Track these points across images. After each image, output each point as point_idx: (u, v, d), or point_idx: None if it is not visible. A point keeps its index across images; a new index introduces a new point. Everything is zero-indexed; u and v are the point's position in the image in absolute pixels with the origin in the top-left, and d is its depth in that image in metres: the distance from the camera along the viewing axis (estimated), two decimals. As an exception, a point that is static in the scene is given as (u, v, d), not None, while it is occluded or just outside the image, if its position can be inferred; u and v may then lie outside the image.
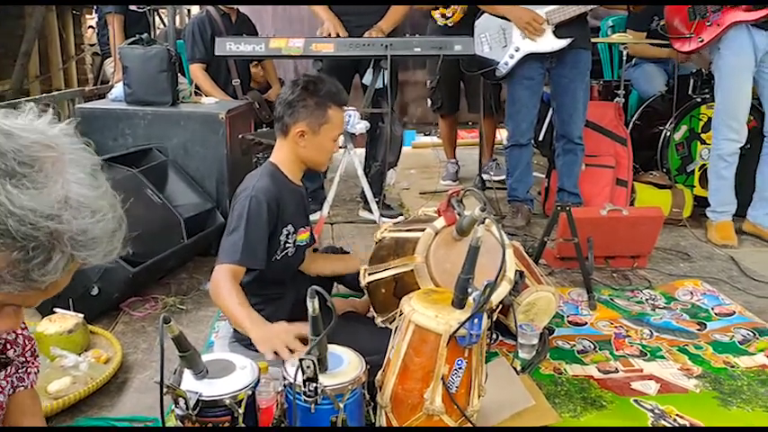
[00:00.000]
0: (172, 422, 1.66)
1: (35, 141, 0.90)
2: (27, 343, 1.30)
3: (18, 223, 0.86)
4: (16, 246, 0.87)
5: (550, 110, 4.21)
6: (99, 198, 0.93)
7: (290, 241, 2.22)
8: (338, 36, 3.60)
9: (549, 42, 3.61)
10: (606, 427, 1.90)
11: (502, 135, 5.04)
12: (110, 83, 4.91)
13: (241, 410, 1.59)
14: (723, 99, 3.62)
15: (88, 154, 0.96)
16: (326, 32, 3.63)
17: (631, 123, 4.47)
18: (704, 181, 4.00)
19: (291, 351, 1.74)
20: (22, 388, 1.29)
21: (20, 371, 1.30)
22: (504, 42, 3.69)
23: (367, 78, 3.68)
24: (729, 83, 3.56)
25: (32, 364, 1.32)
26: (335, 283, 2.68)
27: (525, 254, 2.70)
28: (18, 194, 0.85)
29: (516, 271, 2.11)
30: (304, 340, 1.70)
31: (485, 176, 4.64)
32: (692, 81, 4.26)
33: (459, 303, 1.69)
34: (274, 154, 2.27)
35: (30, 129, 0.92)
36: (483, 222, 1.72)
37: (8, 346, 1.25)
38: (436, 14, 4.37)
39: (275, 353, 1.75)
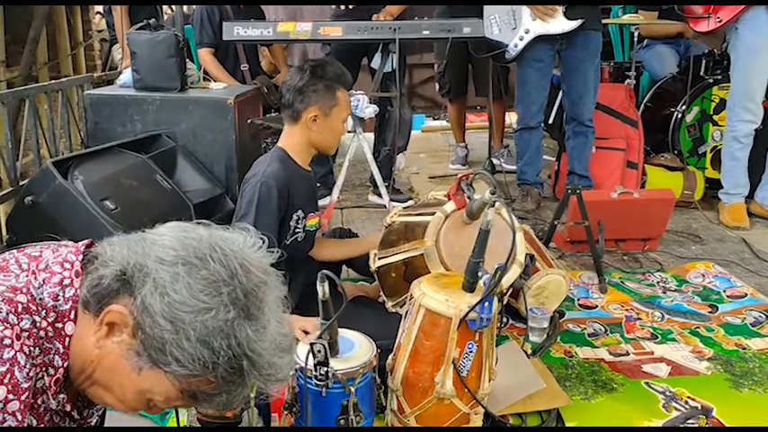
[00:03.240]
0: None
1: (261, 281, 0.97)
2: None
3: (250, 365, 0.94)
4: (238, 382, 0.95)
5: (560, 92, 4.17)
6: (288, 335, 1.00)
7: (299, 226, 2.22)
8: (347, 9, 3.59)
9: (560, 24, 3.57)
10: (615, 427, 1.89)
11: (511, 118, 5.02)
12: (118, 69, 4.90)
13: (253, 394, 1.60)
14: (740, 80, 3.57)
15: (282, 285, 1.03)
16: None
17: (643, 105, 4.43)
18: (716, 163, 3.97)
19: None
20: None
21: None
22: (514, 24, 3.65)
23: (375, 62, 3.66)
24: (747, 63, 3.51)
25: None
26: (345, 267, 2.69)
27: (535, 237, 2.69)
28: (254, 339, 0.94)
29: (526, 254, 2.11)
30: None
31: (495, 162, 4.62)
32: (703, 62, 4.21)
33: (470, 287, 1.69)
34: (283, 139, 2.27)
35: (256, 262, 0.99)
36: (493, 206, 1.71)
37: None
38: None
39: None
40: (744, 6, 3.40)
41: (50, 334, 0.96)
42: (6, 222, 2.68)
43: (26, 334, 0.93)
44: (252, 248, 1.01)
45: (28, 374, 0.92)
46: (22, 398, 0.91)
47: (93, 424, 1.15)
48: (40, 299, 0.96)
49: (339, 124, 2.25)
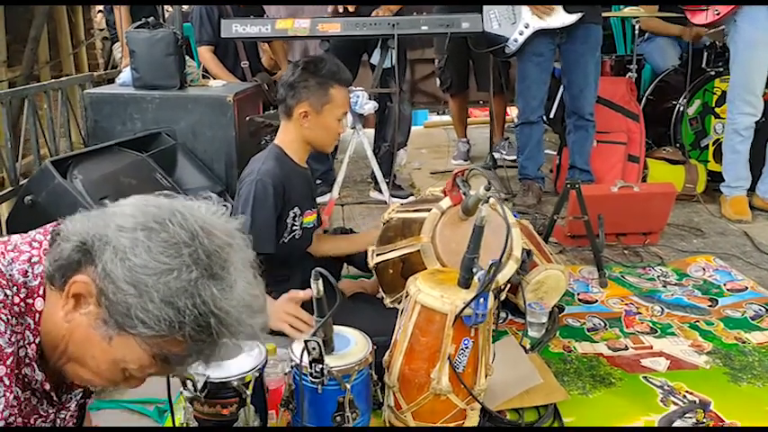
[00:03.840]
0: (182, 404, 1.68)
1: (225, 242, 0.99)
2: None
3: (218, 323, 0.95)
4: (208, 341, 0.96)
5: (562, 86, 4.17)
6: (258, 297, 1.01)
7: (296, 224, 2.22)
8: (346, 10, 3.58)
9: (560, 17, 3.56)
10: (614, 427, 1.88)
11: (513, 113, 5.00)
12: (118, 67, 4.91)
13: (249, 392, 1.61)
14: (739, 72, 3.55)
15: (249, 249, 1.05)
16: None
17: (644, 98, 4.41)
18: (718, 156, 3.95)
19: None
20: None
21: None
22: (514, 19, 3.64)
23: (375, 58, 3.66)
24: (746, 56, 3.49)
25: None
26: (346, 264, 2.69)
27: (534, 232, 2.69)
28: (220, 297, 0.94)
29: (523, 249, 2.10)
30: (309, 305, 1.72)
31: (496, 156, 4.61)
32: (705, 54, 4.19)
33: (465, 283, 1.69)
34: (279, 136, 2.27)
35: (219, 226, 1.00)
36: (487, 201, 1.71)
37: None
38: None
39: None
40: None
41: (23, 309, 0.97)
42: (6, 222, 2.69)
43: (1, 305, 0.94)
44: (215, 214, 1.02)
45: (9, 339, 0.94)
46: (8, 362, 0.93)
47: (71, 409, 1.16)
48: (11, 275, 0.97)
49: (332, 122, 2.22)
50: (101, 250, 0.94)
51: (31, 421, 1.05)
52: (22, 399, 1.01)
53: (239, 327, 0.97)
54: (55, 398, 1.09)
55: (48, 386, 1.04)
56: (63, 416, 1.14)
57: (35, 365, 1.00)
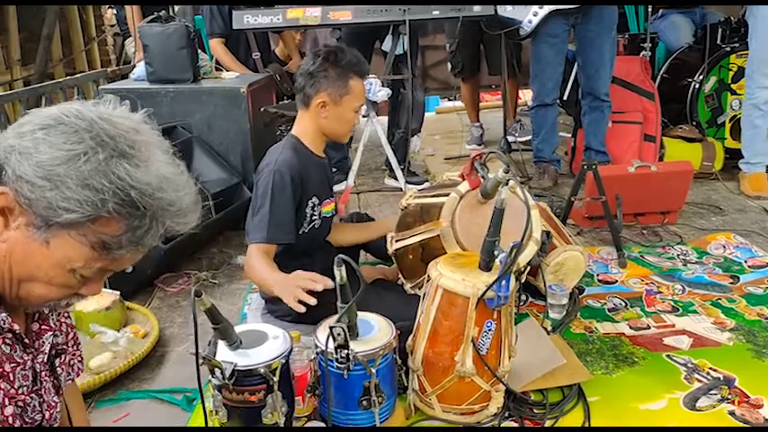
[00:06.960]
0: (210, 392, 1.70)
1: (129, 128, 1.01)
2: (70, 330, 1.33)
3: (140, 195, 0.96)
4: (137, 214, 0.98)
5: (574, 68, 4.13)
6: (180, 175, 1.04)
7: (315, 213, 2.23)
8: None
9: None
10: (630, 427, 1.85)
11: (525, 96, 4.97)
12: (131, 62, 4.93)
13: (276, 378, 1.63)
14: (758, 46, 3.51)
15: (163, 138, 1.06)
16: None
17: (659, 77, 4.37)
18: (735, 132, 3.91)
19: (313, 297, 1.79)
20: (70, 381, 1.33)
21: (69, 361, 1.35)
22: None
23: (387, 45, 3.65)
24: (765, 29, 3.44)
25: (75, 354, 1.36)
26: (363, 252, 2.70)
27: (552, 214, 2.68)
28: (134, 171, 0.97)
29: (543, 231, 2.10)
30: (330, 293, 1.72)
31: (510, 139, 4.60)
32: (720, 30, 4.14)
33: (486, 266, 1.70)
34: (296, 126, 2.27)
35: (120, 116, 1.03)
36: (507, 184, 1.72)
37: (55, 332, 1.28)
38: None
39: (300, 302, 1.79)
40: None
41: None
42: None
43: None
44: (117, 110, 1.04)
45: None
46: None
47: (45, 352, 1.17)
48: None
49: (349, 113, 2.21)
50: (7, 158, 0.96)
51: (8, 369, 1.07)
52: None
53: (164, 197, 0.98)
54: (27, 341, 1.11)
55: (17, 327, 1.06)
56: (40, 359, 1.16)
57: None
